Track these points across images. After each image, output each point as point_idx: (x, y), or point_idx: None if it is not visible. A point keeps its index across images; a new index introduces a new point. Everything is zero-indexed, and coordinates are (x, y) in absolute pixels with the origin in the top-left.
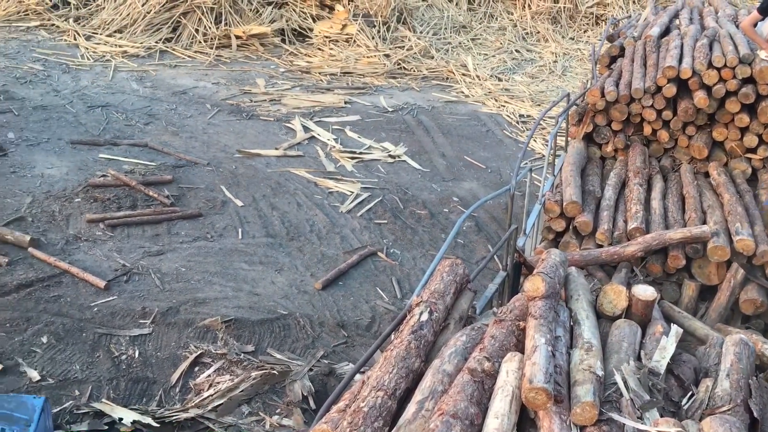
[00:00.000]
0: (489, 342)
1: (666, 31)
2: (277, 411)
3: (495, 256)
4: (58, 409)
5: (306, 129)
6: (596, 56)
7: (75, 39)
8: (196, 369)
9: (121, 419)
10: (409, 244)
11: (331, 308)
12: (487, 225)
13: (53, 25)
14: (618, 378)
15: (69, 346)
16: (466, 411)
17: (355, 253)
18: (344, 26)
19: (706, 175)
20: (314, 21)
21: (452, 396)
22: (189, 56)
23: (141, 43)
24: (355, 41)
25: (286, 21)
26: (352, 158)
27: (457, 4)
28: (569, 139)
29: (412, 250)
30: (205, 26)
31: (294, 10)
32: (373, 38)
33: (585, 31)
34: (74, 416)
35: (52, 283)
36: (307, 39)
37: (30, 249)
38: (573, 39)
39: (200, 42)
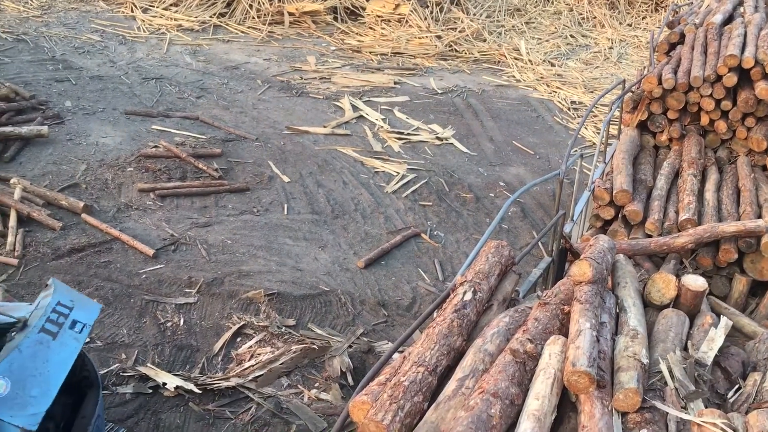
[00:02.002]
0: (532, 324)
1: (729, 19)
2: (315, 385)
3: (540, 243)
4: (105, 370)
5: (354, 108)
6: (655, 43)
7: (132, 11)
8: (238, 339)
9: (164, 384)
10: (453, 227)
11: (373, 287)
12: (532, 211)
13: None
14: (663, 367)
15: (117, 310)
16: (506, 390)
17: (398, 234)
18: (397, 6)
19: (764, 168)
20: (367, 0)
21: (493, 375)
22: (242, 32)
23: (196, 17)
24: (407, 21)
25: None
26: (400, 139)
27: None
28: (622, 126)
29: (456, 233)
30: (258, 2)
31: None
32: (425, 19)
33: (643, 18)
34: (120, 378)
35: (103, 249)
36: (359, 18)
37: (83, 215)
38: (630, 25)
39: (253, 18)
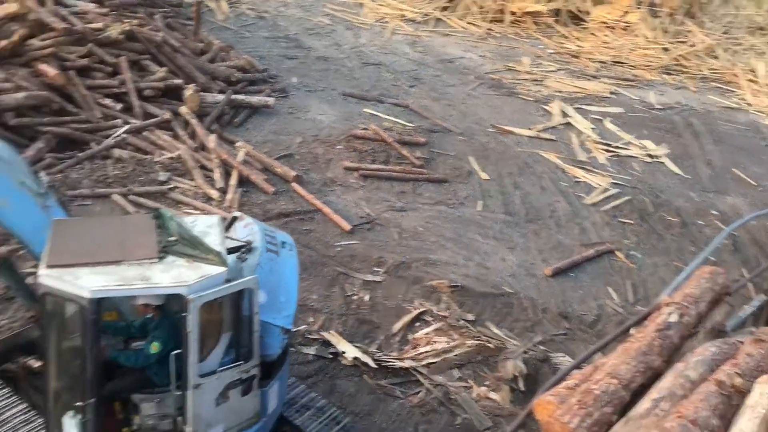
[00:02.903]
0: (744, 359)
1: None
2: (485, 383)
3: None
4: (294, 329)
5: (564, 114)
6: None
7: None
8: (417, 324)
9: (344, 353)
10: (653, 249)
11: (557, 297)
12: (746, 246)
13: None
14: None
15: (311, 276)
16: (707, 420)
17: (592, 248)
18: (625, 13)
19: None
20: (594, 5)
21: (694, 402)
22: (462, 27)
23: (419, 8)
24: (633, 30)
25: (565, 2)
26: (607, 151)
27: (758, 3)
28: None
29: (655, 257)
30: None
31: None
32: (654, 29)
33: None
34: (306, 340)
35: (306, 217)
36: (581, 22)
37: (293, 184)
38: None
39: (474, 14)
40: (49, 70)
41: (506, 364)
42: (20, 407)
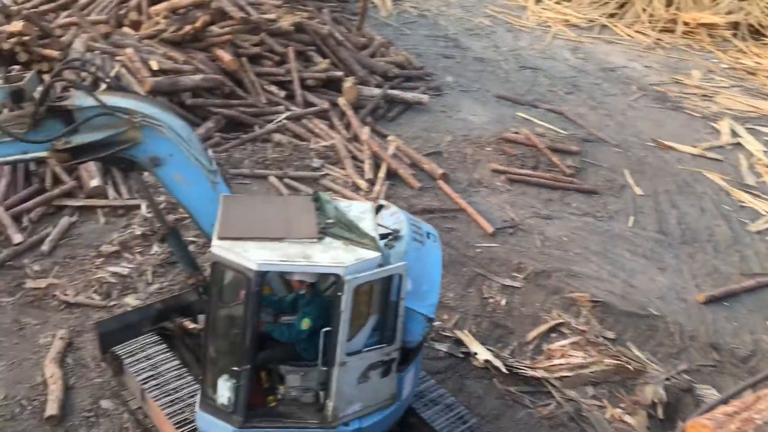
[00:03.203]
0: None
1: None
2: (621, 405)
3: None
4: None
5: (733, 133)
6: None
7: (526, 1)
8: (553, 335)
9: (475, 354)
10: None
11: (708, 326)
12: None
13: None
14: None
15: (450, 274)
16: None
17: (753, 278)
18: None
19: None
20: None
21: None
22: (628, 35)
23: (584, 14)
24: None
25: (745, 15)
26: None
27: None
28: None
29: None
30: (653, 7)
31: (758, 3)
32: None
33: None
34: (439, 336)
35: (449, 215)
36: (762, 37)
37: (439, 181)
38: None
39: (643, 22)
40: (225, 55)
41: (645, 389)
42: (174, 363)
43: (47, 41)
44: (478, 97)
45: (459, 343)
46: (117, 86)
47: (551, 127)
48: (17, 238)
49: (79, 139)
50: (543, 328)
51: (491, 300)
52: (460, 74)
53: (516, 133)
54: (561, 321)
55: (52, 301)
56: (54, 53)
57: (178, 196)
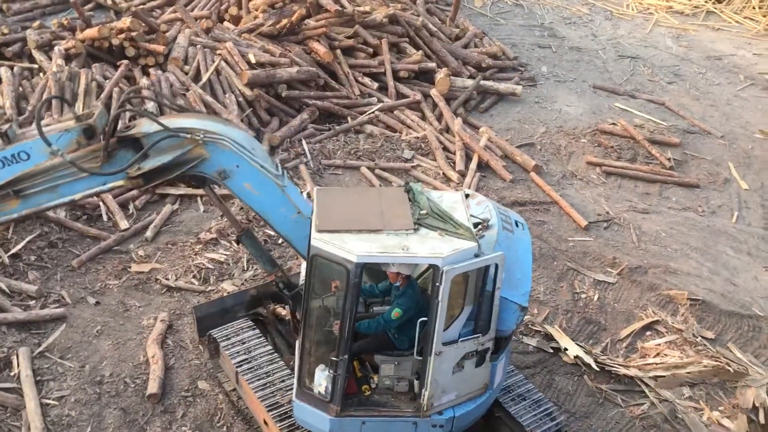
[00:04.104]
0: None
1: None
2: (719, 408)
3: None
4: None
5: None
6: None
7: None
8: (648, 333)
9: (565, 349)
10: None
11: None
12: None
13: None
14: None
15: (540, 268)
16: None
17: None
18: None
19: None
20: None
21: None
22: (736, 21)
23: (689, 0)
24: None
25: None
26: None
27: None
28: None
29: None
30: None
31: None
32: None
33: None
34: (528, 330)
35: (541, 208)
36: None
37: (532, 173)
38: None
39: (753, 7)
40: (320, 48)
41: (747, 392)
42: (267, 348)
43: (153, 36)
44: (573, 88)
45: (549, 338)
46: (178, 108)
47: (651, 118)
48: (123, 224)
49: (149, 164)
50: (637, 325)
51: (583, 295)
52: (556, 64)
53: (613, 124)
54: (657, 319)
55: (154, 285)
56: (159, 48)
57: (250, 203)
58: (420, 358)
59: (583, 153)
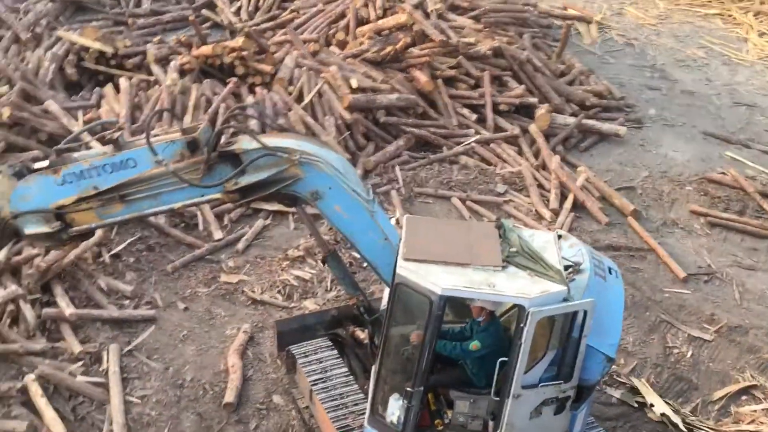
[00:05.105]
0: None
1: None
2: None
3: None
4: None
5: None
6: None
7: (747, 33)
8: (743, 398)
9: (651, 405)
10: None
11: None
12: None
13: (730, 15)
14: None
15: (630, 317)
16: None
17: None
18: None
19: None
20: None
21: None
22: None
23: None
24: None
25: None
26: None
27: None
28: None
29: None
30: None
31: None
32: None
33: None
34: (613, 381)
35: (636, 255)
36: None
37: (629, 218)
38: None
39: None
40: (422, 76)
41: None
42: (342, 369)
43: (262, 57)
44: (682, 133)
45: (634, 391)
46: (278, 128)
47: (765, 170)
48: (218, 234)
49: (246, 180)
50: (733, 387)
51: (675, 350)
52: (665, 107)
53: (722, 173)
54: (755, 383)
55: (240, 296)
56: (267, 68)
57: (339, 226)
58: (497, 398)
59: (687, 201)
